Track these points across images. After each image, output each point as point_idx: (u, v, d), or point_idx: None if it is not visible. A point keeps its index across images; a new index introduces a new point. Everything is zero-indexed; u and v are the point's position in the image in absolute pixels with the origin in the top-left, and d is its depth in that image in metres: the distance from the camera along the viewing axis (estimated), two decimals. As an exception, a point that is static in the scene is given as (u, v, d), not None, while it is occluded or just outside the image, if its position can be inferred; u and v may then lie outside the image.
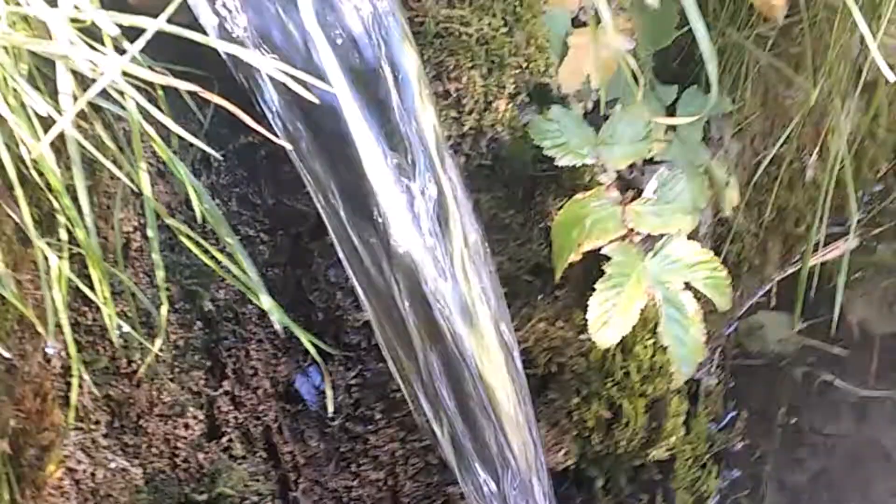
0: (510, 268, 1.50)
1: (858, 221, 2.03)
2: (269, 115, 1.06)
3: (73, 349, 1.12)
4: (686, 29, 1.39)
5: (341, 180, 1.11)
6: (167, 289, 1.26)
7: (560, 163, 1.40)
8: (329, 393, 1.41)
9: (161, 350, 1.28)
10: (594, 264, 1.40)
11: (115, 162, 1.05)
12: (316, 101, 0.95)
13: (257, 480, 1.43)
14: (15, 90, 0.94)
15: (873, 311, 2.04)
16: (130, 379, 1.27)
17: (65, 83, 0.95)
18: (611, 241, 1.39)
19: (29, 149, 0.95)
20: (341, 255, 1.19)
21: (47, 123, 0.94)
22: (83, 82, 0.94)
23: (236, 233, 1.28)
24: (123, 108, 0.98)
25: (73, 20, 0.92)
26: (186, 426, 1.35)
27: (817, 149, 1.90)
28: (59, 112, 0.94)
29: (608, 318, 1.38)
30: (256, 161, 1.30)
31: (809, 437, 1.92)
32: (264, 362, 1.41)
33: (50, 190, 1.01)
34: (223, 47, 0.95)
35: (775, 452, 1.90)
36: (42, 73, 0.99)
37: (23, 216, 1.01)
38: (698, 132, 1.64)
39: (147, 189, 1.05)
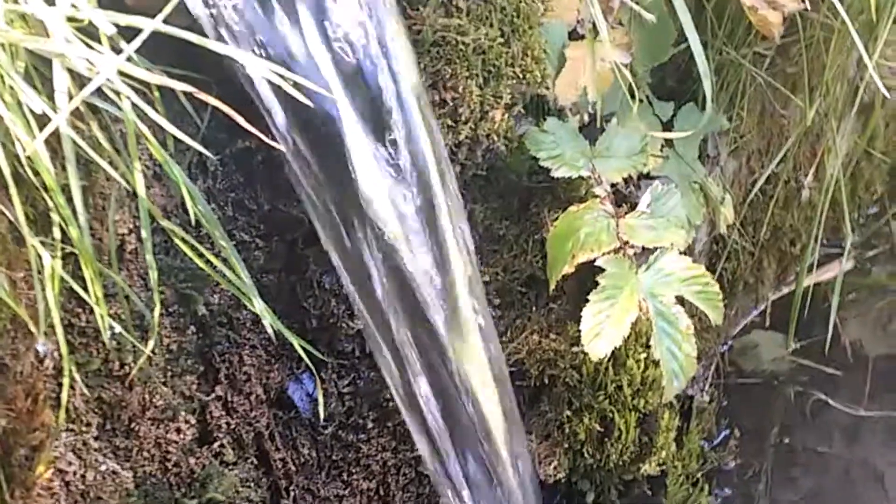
0: (504, 279, 1.50)
1: (853, 243, 2.03)
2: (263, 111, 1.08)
3: (65, 350, 1.12)
4: (684, 46, 1.40)
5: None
6: (161, 292, 1.26)
7: (555, 174, 1.41)
8: (320, 400, 1.41)
9: (154, 353, 1.28)
10: (588, 277, 1.40)
11: (111, 163, 1.05)
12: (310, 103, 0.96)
13: (248, 487, 1.43)
14: (11, 88, 0.95)
15: (867, 333, 2.05)
16: (123, 381, 1.27)
17: (61, 81, 0.95)
18: (605, 254, 1.39)
19: (24, 146, 0.95)
20: (334, 259, 1.20)
21: (43, 122, 0.94)
22: (81, 83, 0.95)
23: (231, 238, 1.29)
24: (120, 108, 0.98)
25: (71, 19, 0.93)
26: (178, 430, 1.34)
27: (813, 169, 1.91)
28: (55, 110, 0.94)
29: (601, 330, 1.38)
30: (253, 166, 1.31)
31: (802, 457, 1.92)
32: (257, 368, 1.41)
33: (45, 189, 1.01)
34: (218, 48, 0.96)
35: (768, 471, 1.90)
36: (39, 72, 0.99)
37: (16, 214, 1.01)
38: (694, 149, 1.64)
39: (141, 190, 1.05)
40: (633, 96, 1.40)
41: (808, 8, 1.48)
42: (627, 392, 1.55)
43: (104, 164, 1.03)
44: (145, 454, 1.32)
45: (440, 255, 1.22)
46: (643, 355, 1.54)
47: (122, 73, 0.94)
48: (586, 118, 1.50)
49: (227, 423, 1.41)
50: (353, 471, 1.52)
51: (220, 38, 1.03)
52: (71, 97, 0.95)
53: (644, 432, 1.61)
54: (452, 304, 1.25)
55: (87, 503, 1.26)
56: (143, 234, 1.10)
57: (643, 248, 1.43)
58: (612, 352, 1.41)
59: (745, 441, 1.92)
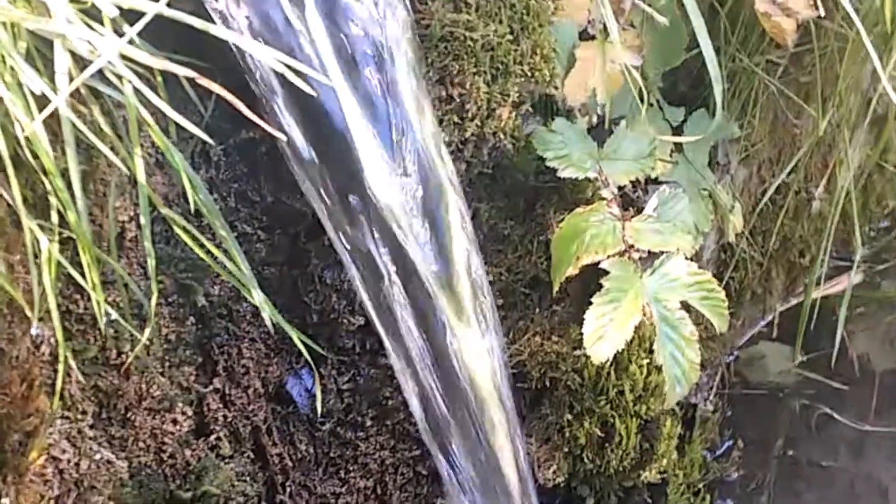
0: (508, 279, 1.49)
1: (863, 257, 2.02)
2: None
3: (61, 336, 1.11)
4: (697, 51, 1.38)
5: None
6: (161, 282, 1.25)
7: (562, 175, 1.40)
8: (318, 395, 1.40)
9: (152, 343, 1.27)
10: (592, 279, 1.39)
11: (112, 149, 1.04)
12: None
13: (244, 481, 1.42)
14: (12, 68, 0.94)
15: (875, 347, 2.03)
16: (119, 370, 1.26)
17: (62, 62, 0.95)
18: (609, 256, 1.39)
19: (23, 127, 0.95)
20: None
21: (44, 104, 0.94)
22: (83, 66, 0.94)
23: (233, 229, 1.28)
24: (122, 93, 0.98)
25: (73, 0, 0.92)
26: (174, 421, 1.34)
27: (824, 180, 1.90)
28: (56, 92, 0.94)
29: (604, 333, 1.37)
30: (257, 157, 1.30)
31: (806, 470, 1.91)
32: (256, 361, 1.40)
33: (44, 173, 1.01)
34: (222, 33, 0.95)
35: (771, 484, 1.89)
36: (42, 54, 0.99)
37: (14, 196, 1.00)
38: (704, 155, 1.63)
39: (142, 177, 1.05)
40: (642, 100, 1.39)
41: (823, 16, 1.47)
42: (629, 397, 1.54)
43: (105, 150, 1.03)
44: (141, 444, 1.32)
45: (442, 244, 1.21)
46: (646, 360, 1.53)
47: (124, 57, 0.93)
48: (595, 120, 1.49)
49: (225, 416, 1.40)
50: (351, 468, 1.51)
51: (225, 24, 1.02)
52: (72, 79, 0.94)
53: (645, 439, 1.60)
54: (456, 295, 1.25)
55: (80, 492, 1.26)
56: (142, 219, 1.09)
57: (648, 253, 1.42)
58: (615, 356, 1.40)
59: (749, 452, 1.91)
